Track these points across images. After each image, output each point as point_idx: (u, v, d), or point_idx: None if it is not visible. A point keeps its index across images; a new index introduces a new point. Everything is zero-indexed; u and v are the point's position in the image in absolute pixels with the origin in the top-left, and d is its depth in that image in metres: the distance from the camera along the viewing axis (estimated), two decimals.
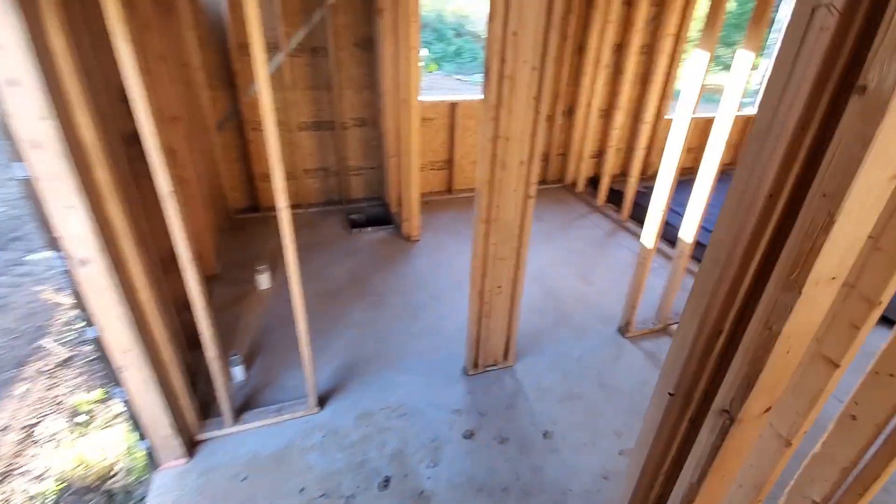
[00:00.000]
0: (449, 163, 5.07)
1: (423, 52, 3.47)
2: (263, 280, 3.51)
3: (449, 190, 5.21)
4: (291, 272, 2.11)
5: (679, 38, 4.13)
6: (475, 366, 2.82)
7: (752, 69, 2.36)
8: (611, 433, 2.50)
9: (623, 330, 3.19)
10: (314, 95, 4.29)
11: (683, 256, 3.03)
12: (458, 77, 12.77)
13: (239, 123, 4.17)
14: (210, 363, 2.20)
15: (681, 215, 4.15)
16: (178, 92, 3.22)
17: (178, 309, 2.53)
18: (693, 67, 2.40)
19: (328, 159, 4.61)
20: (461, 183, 5.22)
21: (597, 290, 3.70)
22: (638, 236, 4.54)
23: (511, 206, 2.33)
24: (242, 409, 2.49)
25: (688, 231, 2.95)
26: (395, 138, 4.12)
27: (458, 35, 14.55)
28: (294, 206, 4.68)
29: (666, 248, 4.23)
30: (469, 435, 2.46)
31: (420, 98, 3.81)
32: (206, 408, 2.49)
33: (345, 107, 4.41)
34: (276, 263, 3.72)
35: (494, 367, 2.88)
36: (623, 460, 2.35)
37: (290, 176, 4.54)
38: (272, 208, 4.61)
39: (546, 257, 4.04)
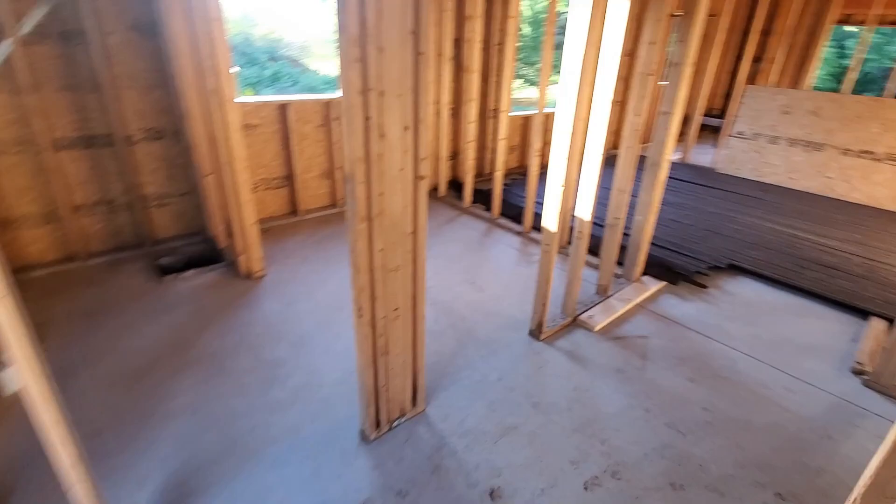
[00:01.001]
0: (289, 179, 4.16)
1: (236, 69, 2.72)
2: (10, 378, 2.17)
3: (294, 212, 4.28)
4: (18, 352, 1.11)
5: (515, 20, 4.01)
6: (377, 425, 2.04)
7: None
8: (567, 464, 1.97)
9: (535, 333, 2.75)
10: (74, 99, 3.03)
11: (583, 239, 2.73)
12: None
13: None
14: None
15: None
16: None
17: None
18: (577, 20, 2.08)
19: (112, 188, 3.32)
20: (308, 202, 4.35)
21: (491, 296, 3.23)
22: (513, 232, 4.26)
23: (399, 193, 1.66)
24: None
25: (584, 211, 2.66)
26: (208, 149, 3.12)
27: (273, 59, 13.44)
28: (64, 258, 3.26)
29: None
30: None
31: (239, 99, 2.92)
32: None
33: (127, 113, 3.22)
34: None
35: (403, 420, 2.13)
36: (593, 496, 1.83)
37: (51, 217, 3.14)
38: (26, 268, 3.12)
39: (427, 268, 3.44)
